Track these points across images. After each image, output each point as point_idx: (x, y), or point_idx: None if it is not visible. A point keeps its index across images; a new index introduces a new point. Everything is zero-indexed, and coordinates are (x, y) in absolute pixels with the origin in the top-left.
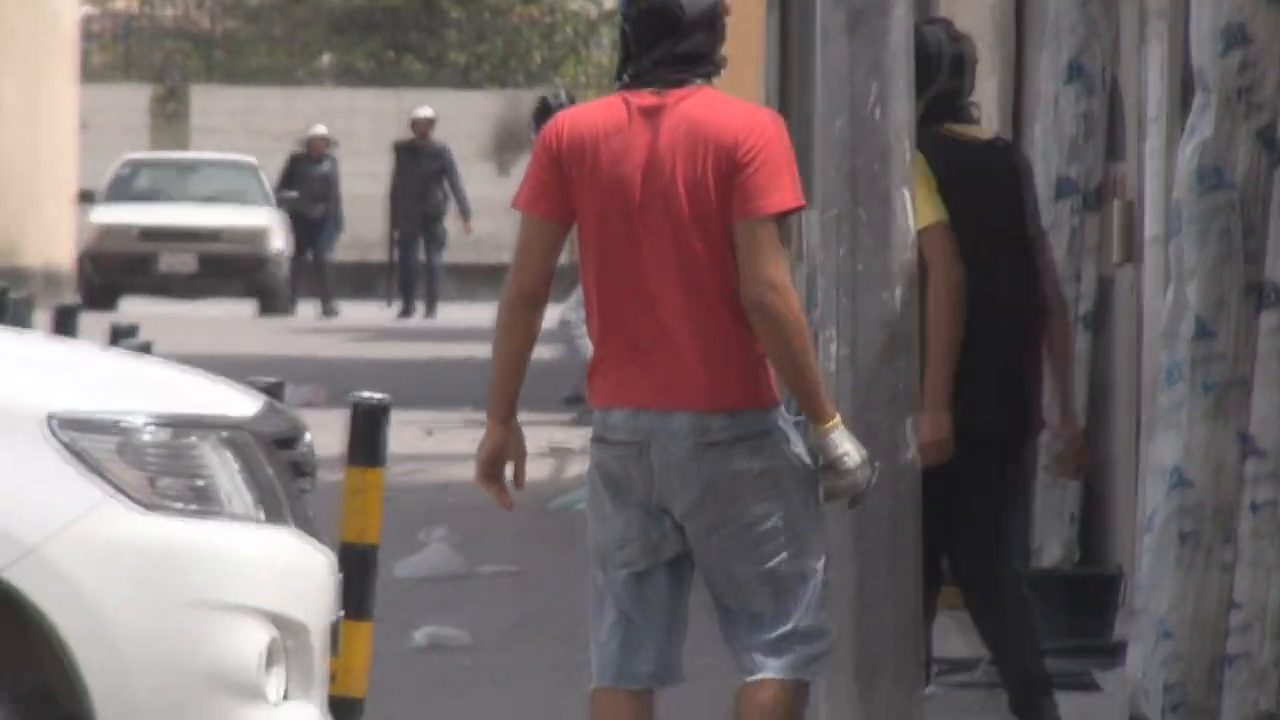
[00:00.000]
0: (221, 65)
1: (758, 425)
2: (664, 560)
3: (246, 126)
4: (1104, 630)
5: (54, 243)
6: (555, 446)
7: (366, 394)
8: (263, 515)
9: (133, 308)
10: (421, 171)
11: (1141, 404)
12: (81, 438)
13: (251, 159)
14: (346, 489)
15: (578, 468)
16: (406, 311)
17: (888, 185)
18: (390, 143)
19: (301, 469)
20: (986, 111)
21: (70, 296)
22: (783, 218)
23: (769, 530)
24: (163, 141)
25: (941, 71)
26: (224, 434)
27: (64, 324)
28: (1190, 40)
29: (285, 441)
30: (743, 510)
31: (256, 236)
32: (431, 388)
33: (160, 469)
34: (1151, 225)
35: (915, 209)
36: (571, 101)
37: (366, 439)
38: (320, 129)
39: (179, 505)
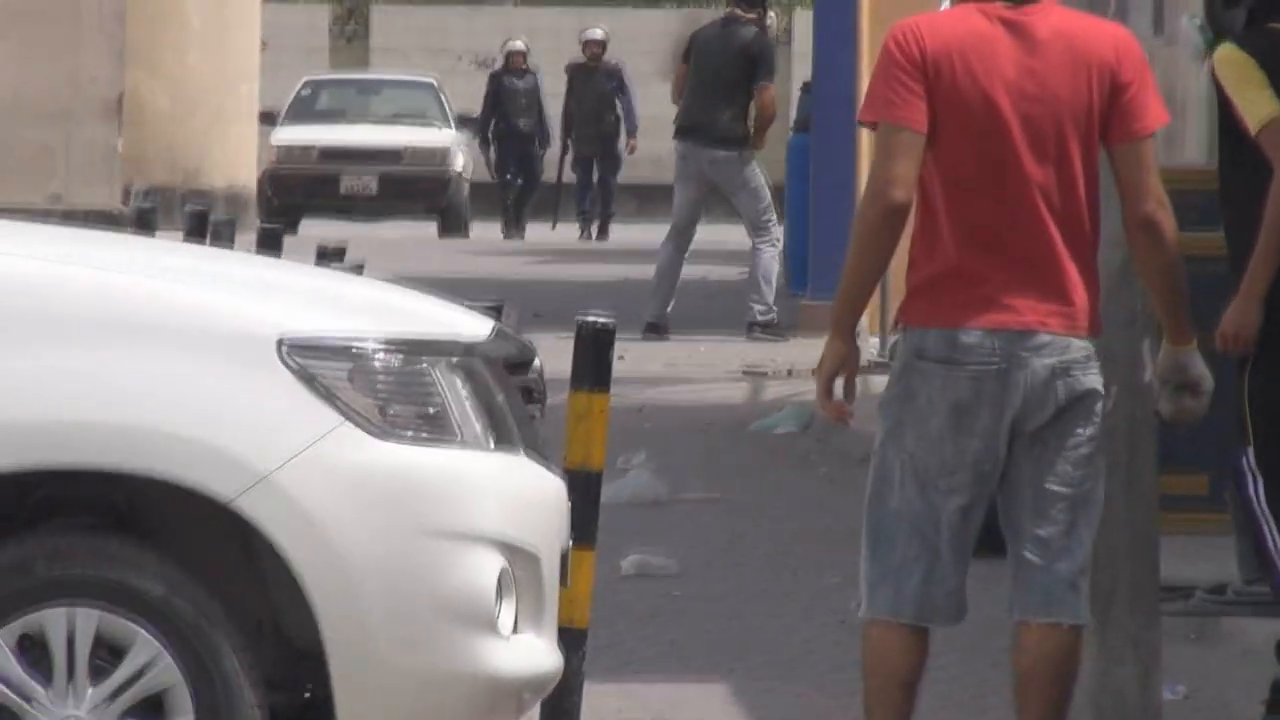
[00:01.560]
0: None
1: (1097, 350)
2: (987, 493)
3: (426, 46)
4: None
5: (237, 163)
6: (748, 369)
7: (592, 315)
8: (494, 442)
9: (312, 229)
10: (596, 92)
11: None
12: (313, 363)
13: (432, 78)
14: (571, 413)
15: (774, 390)
16: (585, 233)
17: None
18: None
19: (532, 394)
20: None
21: (254, 216)
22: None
23: (1087, 454)
24: (343, 61)
25: None
26: (455, 359)
27: (268, 245)
28: None
29: (516, 366)
30: (1075, 429)
31: (438, 156)
32: (616, 310)
33: (391, 395)
34: None
35: (1248, 108)
36: None
37: (593, 362)
38: (518, 43)
39: (410, 432)
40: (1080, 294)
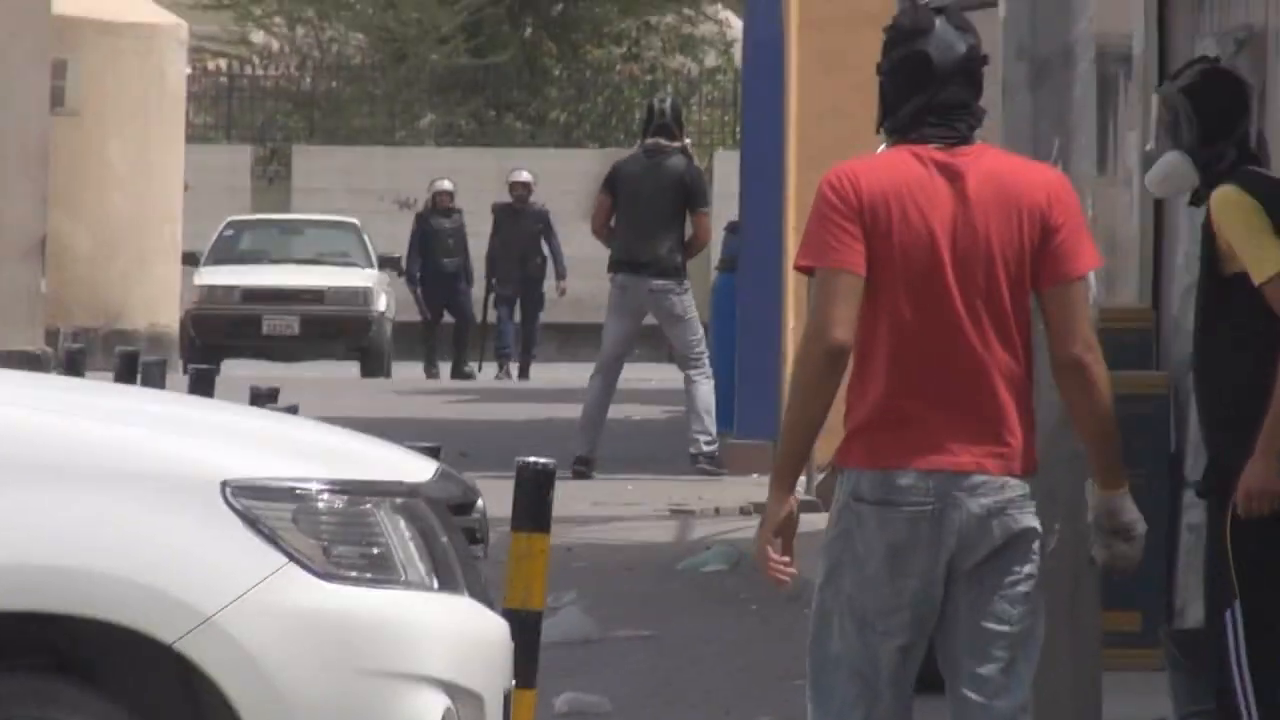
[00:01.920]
0: (322, 126)
1: (1031, 489)
2: (926, 633)
3: (348, 186)
4: None
5: (159, 304)
6: (675, 507)
7: (532, 458)
8: (437, 583)
9: (234, 369)
10: (522, 232)
11: None
12: (256, 505)
13: (354, 219)
14: (511, 554)
15: (701, 529)
16: (504, 372)
17: None
18: (490, 203)
19: (475, 535)
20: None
21: (176, 357)
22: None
23: (1025, 592)
24: (265, 202)
25: (1249, 113)
26: (399, 500)
27: (200, 386)
28: None
29: (459, 507)
30: (1012, 568)
31: (360, 297)
32: (539, 449)
33: (336, 537)
34: None
35: (1257, 256)
36: (675, 108)
37: (532, 503)
38: (445, 183)
39: (354, 574)
40: (1016, 434)
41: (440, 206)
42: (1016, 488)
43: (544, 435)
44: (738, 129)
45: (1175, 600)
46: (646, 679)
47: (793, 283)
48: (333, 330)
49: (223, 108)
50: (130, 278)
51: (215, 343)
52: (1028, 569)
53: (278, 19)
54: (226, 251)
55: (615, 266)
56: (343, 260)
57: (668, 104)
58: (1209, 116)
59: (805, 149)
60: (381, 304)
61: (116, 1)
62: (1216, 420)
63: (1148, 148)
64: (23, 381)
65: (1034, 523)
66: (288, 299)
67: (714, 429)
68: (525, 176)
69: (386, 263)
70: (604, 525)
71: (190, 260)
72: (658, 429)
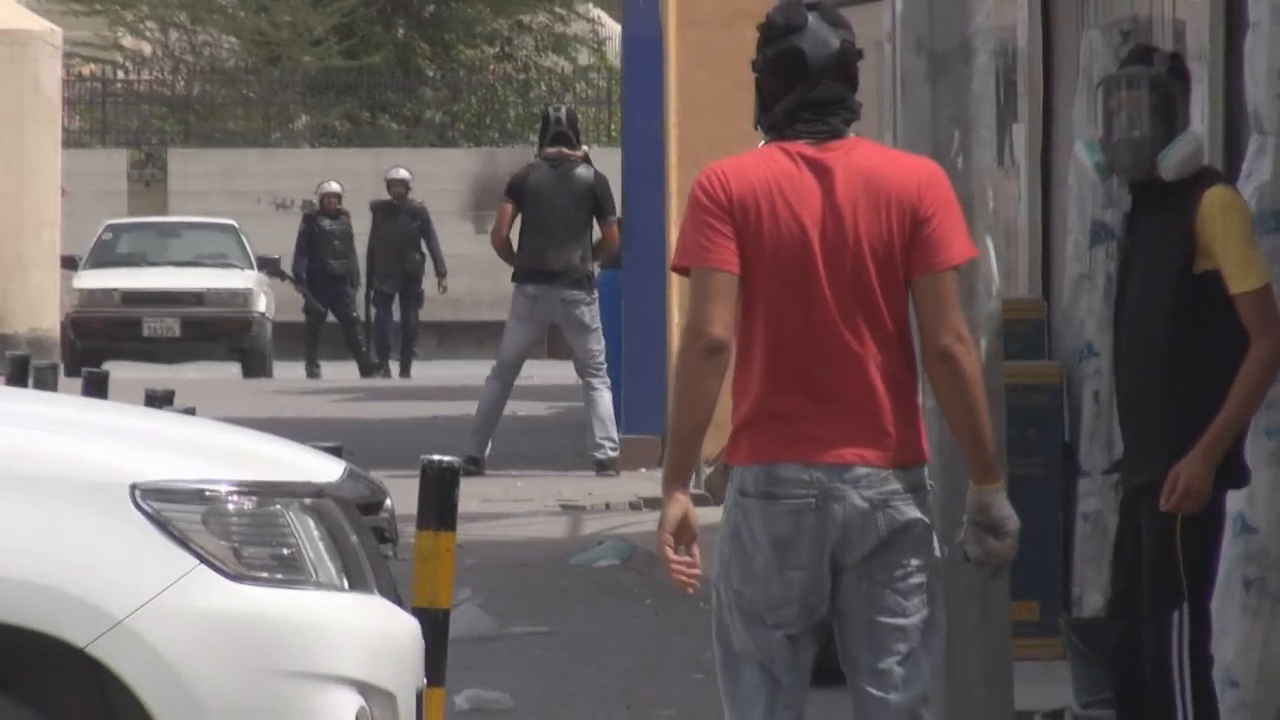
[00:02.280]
0: (198, 129)
1: (921, 480)
2: (816, 622)
3: (225, 189)
4: None
5: (39, 309)
6: (566, 503)
7: (437, 456)
8: (348, 582)
9: (115, 372)
10: (399, 231)
11: None
12: (166, 507)
13: (232, 221)
14: (417, 553)
15: (592, 525)
16: (382, 370)
17: (973, 234)
18: (368, 202)
19: (384, 534)
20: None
21: (57, 361)
22: (959, 268)
23: (918, 583)
24: (142, 206)
25: None
26: (308, 501)
27: (93, 389)
28: (1246, 81)
29: (367, 507)
30: (903, 561)
31: (240, 298)
32: (421, 447)
33: (246, 538)
34: None
35: (1245, 267)
36: (571, 116)
37: (438, 501)
38: (333, 185)
39: (265, 574)
40: (897, 426)
41: (328, 209)
42: (901, 478)
43: (430, 433)
44: (613, 127)
45: (1073, 589)
46: (546, 674)
47: (676, 280)
48: (214, 332)
49: (97, 113)
50: (10, 282)
51: (96, 346)
52: (917, 561)
53: (150, 24)
54: (105, 255)
55: (526, 276)
56: (222, 262)
57: (563, 112)
58: (1185, 99)
59: (686, 146)
60: (262, 305)
61: None
62: (1183, 419)
63: (1135, 134)
64: None
65: (920, 514)
66: (168, 301)
67: (615, 435)
68: (403, 174)
69: (265, 264)
70: (495, 522)
71: (69, 264)
72: (544, 425)
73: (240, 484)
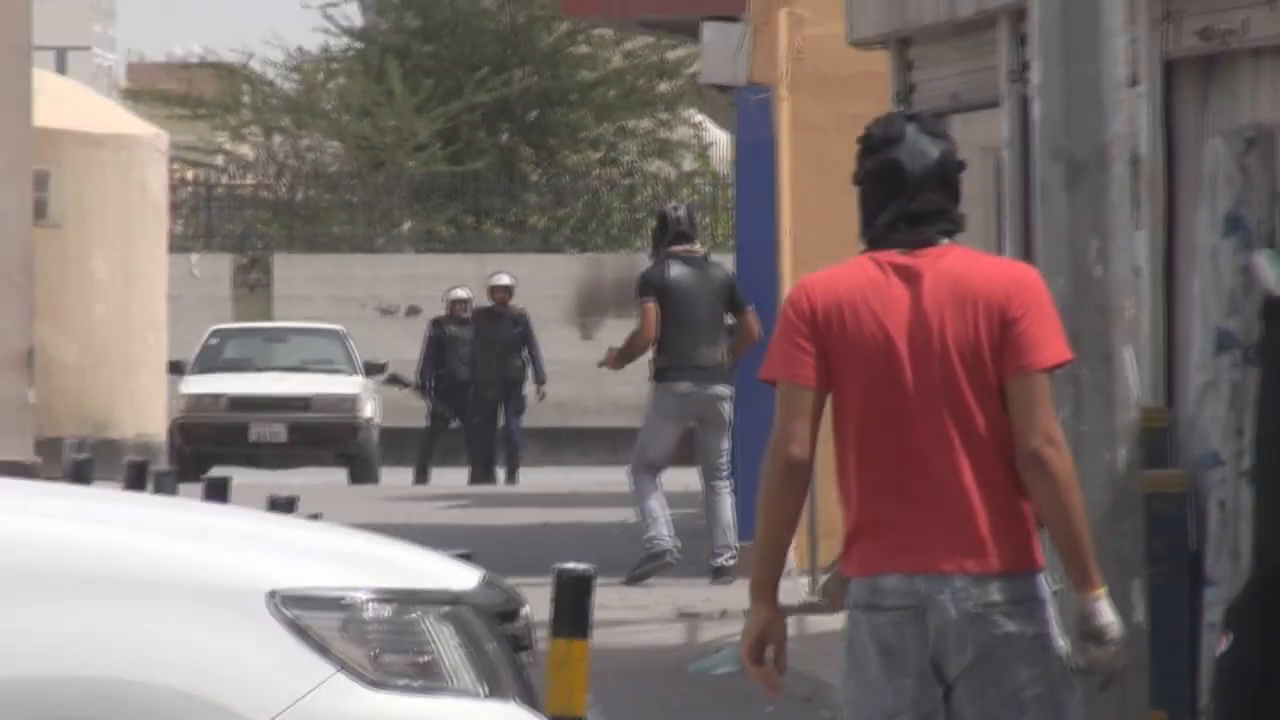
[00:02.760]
0: (301, 233)
1: (1031, 589)
2: None
3: (329, 294)
4: None
5: (146, 413)
6: (682, 610)
7: (570, 564)
8: (486, 691)
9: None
10: (501, 337)
11: None
12: (305, 614)
13: (338, 326)
14: (551, 660)
15: (710, 632)
16: (489, 477)
17: (1109, 343)
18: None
19: (520, 642)
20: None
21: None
22: (1053, 370)
23: (1034, 696)
24: (246, 310)
25: None
26: (445, 608)
27: (215, 495)
28: None
29: (504, 614)
30: (1012, 675)
31: (347, 403)
32: (527, 553)
33: (384, 645)
34: None
35: None
36: (690, 215)
37: (571, 609)
38: (461, 291)
39: (403, 682)
40: (995, 531)
41: (455, 314)
42: (1005, 589)
43: (542, 540)
44: (718, 231)
45: (1200, 700)
46: None
47: None
48: (320, 437)
49: (201, 217)
50: (117, 387)
51: (203, 451)
52: (1028, 673)
53: (254, 128)
54: (212, 360)
55: (676, 373)
56: (328, 367)
57: (683, 211)
58: None
59: (799, 252)
60: (368, 410)
61: (97, 113)
62: None
63: None
64: (65, 494)
65: (1024, 627)
66: (275, 406)
67: (735, 541)
68: (505, 280)
69: (371, 369)
70: (613, 629)
71: (175, 369)
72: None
73: (378, 591)
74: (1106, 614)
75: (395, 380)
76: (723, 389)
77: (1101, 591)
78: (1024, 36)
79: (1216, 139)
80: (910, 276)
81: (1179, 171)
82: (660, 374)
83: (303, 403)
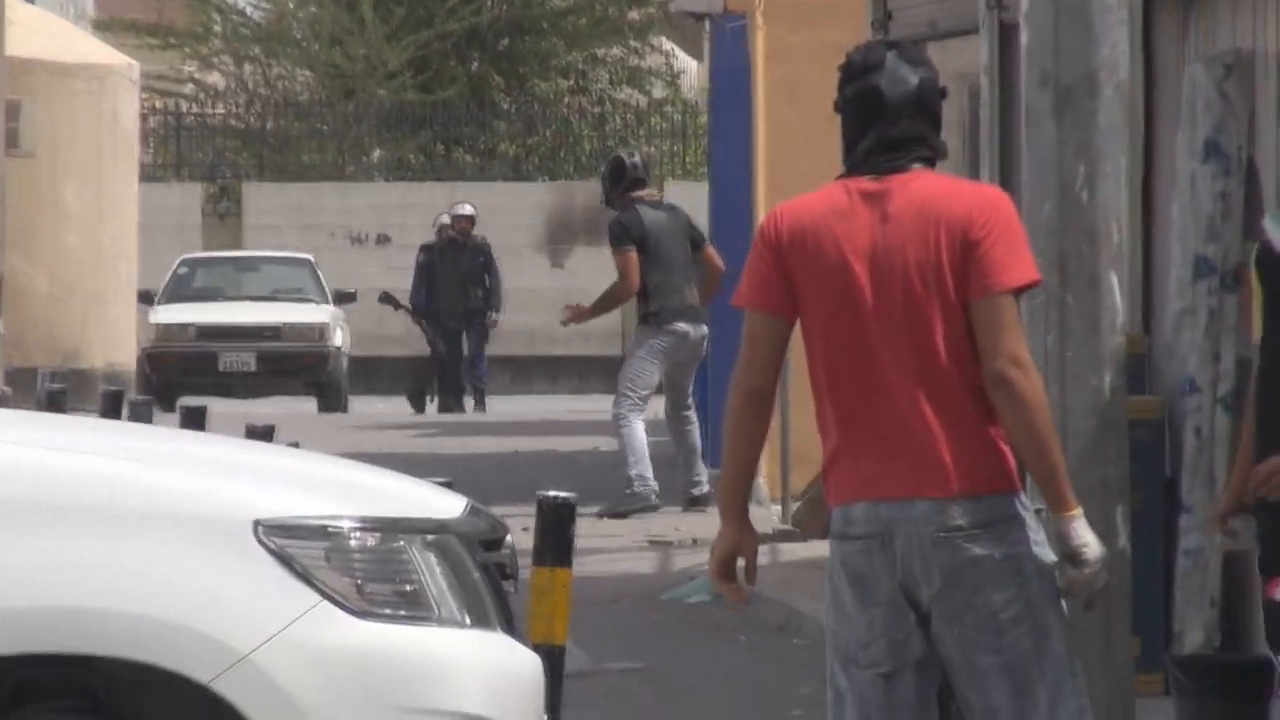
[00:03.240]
0: (271, 163)
1: (1000, 511)
2: (910, 660)
3: (299, 223)
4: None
5: (116, 343)
6: (653, 539)
7: (553, 492)
8: (470, 619)
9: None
10: (464, 267)
11: None
12: (290, 543)
13: (308, 255)
14: (533, 589)
15: (682, 560)
16: (457, 406)
17: (1096, 268)
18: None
19: (505, 571)
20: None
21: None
22: (1020, 292)
23: (1011, 618)
24: (216, 240)
25: None
26: (430, 537)
27: (191, 423)
28: None
29: (489, 543)
30: (985, 598)
31: (316, 332)
32: (500, 481)
33: (368, 574)
34: None
35: None
36: (645, 162)
37: (554, 537)
38: (466, 207)
39: (388, 610)
40: (960, 456)
41: (461, 230)
42: (969, 512)
43: (515, 468)
44: (688, 160)
45: (1174, 626)
46: (645, 711)
47: None
48: (290, 366)
49: (171, 146)
50: (87, 316)
51: (172, 380)
52: (1001, 596)
53: (224, 57)
54: (181, 289)
55: (673, 315)
56: (298, 296)
57: (638, 158)
58: None
59: (774, 181)
60: (338, 339)
61: (69, 42)
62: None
63: None
64: (45, 424)
65: (992, 549)
66: (244, 336)
67: (705, 471)
68: (468, 210)
69: (341, 298)
70: (585, 558)
71: (145, 299)
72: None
73: (363, 520)
74: (1083, 534)
75: (389, 300)
76: (706, 328)
77: (1077, 512)
78: None
79: (1196, 65)
80: (876, 201)
81: (1157, 98)
82: (654, 317)
83: (272, 331)
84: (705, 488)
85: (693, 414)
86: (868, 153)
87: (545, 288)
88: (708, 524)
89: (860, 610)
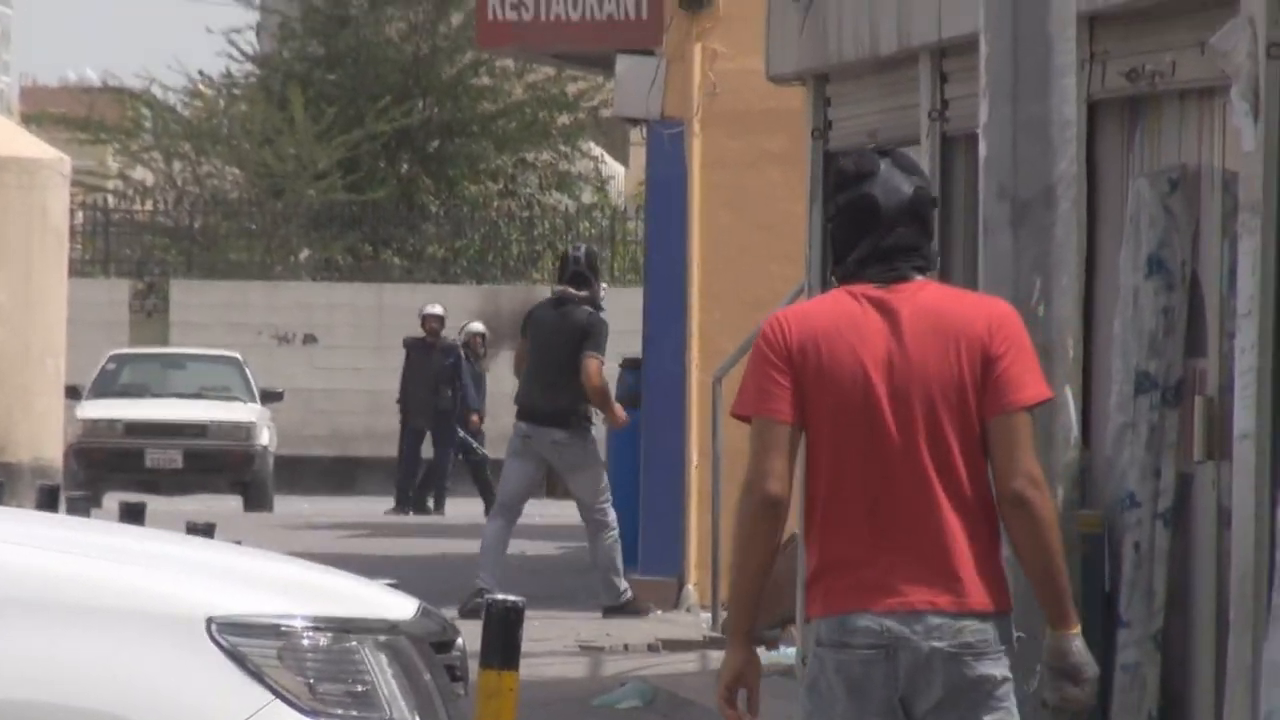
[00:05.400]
0: (200, 260)
1: (1004, 632)
2: None
3: (227, 320)
4: None
5: (43, 437)
6: (584, 644)
7: (500, 595)
8: None
9: (116, 503)
10: (434, 368)
11: (1230, 602)
12: (242, 642)
13: (235, 354)
14: (481, 691)
15: (613, 666)
16: (404, 507)
17: (1053, 382)
18: (366, 339)
19: (455, 673)
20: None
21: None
22: (1033, 409)
23: None
24: (143, 336)
25: None
26: (382, 638)
27: (131, 519)
28: None
29: (439, 645)
30: (976, 716)
31: (243, 431)
32: (433, 584)
33: (321, 673)
34: (1241, 422)
35: None
36: (590, 256)
37: (501, 640)
38: (435, 308)
39: (339, 711)
40: (971, 570)
41: (431, 335)
42: (976, 631)
43: (440, 572)
44: (615, 265)
45: None
46: None
47: (696, 420)
48: (217, 464)
49: (100, 242)
50: (14, 411)
51: (98, 475)
52: (990, 718)
53: (154, 153)
54: (109, 385)
55: (520, 414)
56: (225, 395)
57: (582, 251)
58: None
59: (708, 284)
60: (264, 438)
61: None
62: None
63: None
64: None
65: (993, 671)
66: (171, 433)
67: (622, 582)
68: (438, 310)
69: (268, 396)
70: None
71: (72, 393)
72: (554, 565)
73: (316, 619)
74: (1083, 652)
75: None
76: (564, 435)
77: (1077, 630)
78: (945, 74)
79: (1141, 180)
80: (888, 311)
81: (1101, 211)
82: (517, 414)
83: (199, 429)
84: (623, 599)
85: (599, 526)
86: (861, 261)
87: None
88: (635, 630)
89: (856, 717)
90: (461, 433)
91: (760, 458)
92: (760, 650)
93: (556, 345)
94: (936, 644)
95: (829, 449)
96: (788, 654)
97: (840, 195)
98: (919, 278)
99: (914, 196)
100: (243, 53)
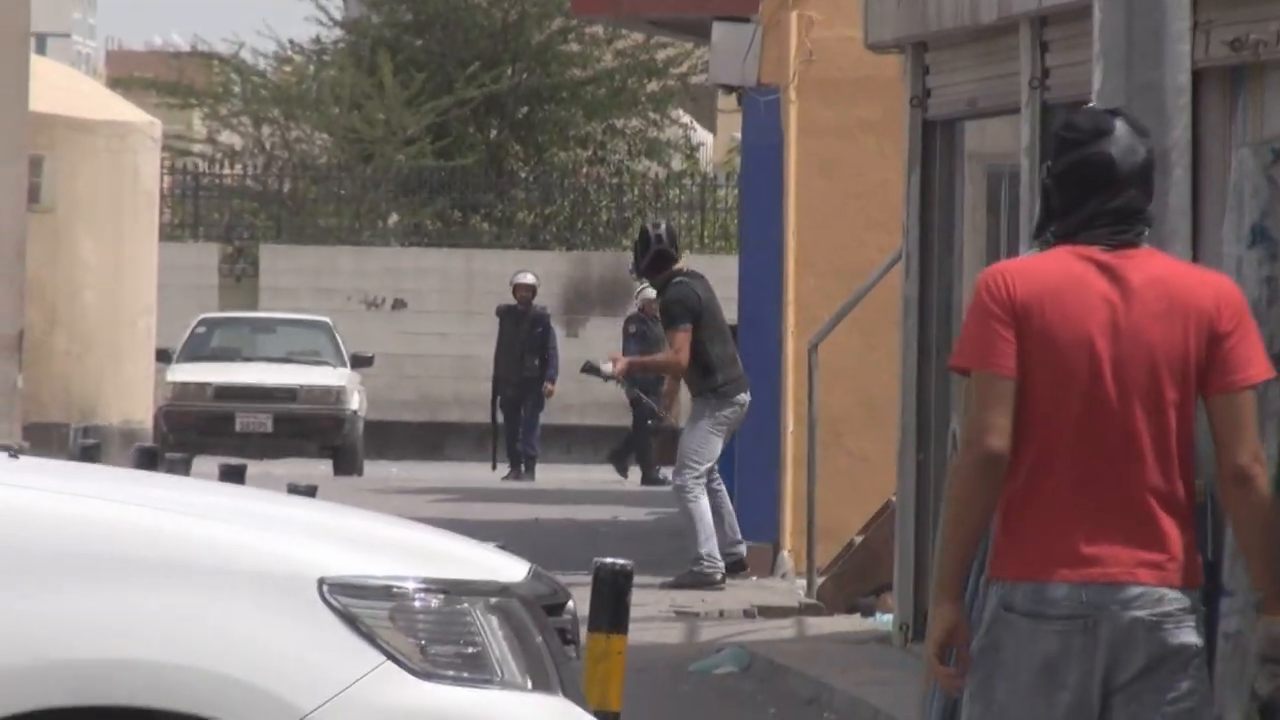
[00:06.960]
0: (288, 225)
1: (1197, 602)
2: None
3: (315, 286)
4: None
5: (132, 400)
6: (679, 609)
7: (609, 559)
8: (531, 683)
9: (207, 466)
10: (522, 336)
11: None
12: (354, 603)
13: (326, 318)
14: (590, 654)
15: (708, 631)
16: (516, 472)
17: None
18: (455, 303)
19: (566, 635)
20: None
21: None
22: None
23: (1187, 709)
24: (232, 300)
25: None
26: (494, 600)
27: (231, 481)
28: None
29: (550, 607)
30: (1174, 685)
31: (333, 395)
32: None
33: (432, 635)
34: None
35: None
36: (671, 233)
37: (610, 604)
38: (526, 276)
39: (451, 672)
40: (1174, 543)
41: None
42: (1175, 600)
43: (535, 537)
44: (705, 233)
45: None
46: None
47: (792, 387)
48: (306, 428)
49: (189, 206)
50: (104, 373)
51: (188, 439)
52: (1187, 685)
53: (243, 118)
54: (199, 349)
55: (738, 386)
56: (315, 359)
57: (663, 229)
58: None
59: (804, 252)
60: (354, 403)
61: (91, 99)
62: None
63: None
64: (110, 477)
65: (1193, 639)
66: (261, 397)
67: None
68: (529, 279)
69: (358, 361)
70: None
71: (162, 357)
72: (647, 530)
73: (428, 581)
74: None
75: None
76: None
77: None
78: (1046, 43)
79: (1244, 149)
80: (1117, 277)
81: (1204, 182)
82: (721, 389)
83: (289, 393)
84: (744, 550)
85: (719, 482)
86: (1086, 221)
87: (560, 357)
88: (731, 596)
89: (1043, 692)
90: (645, 398)
91: (982, 412)
92: (855, 617)
93: (723, 316)
94: (1138, 613)
95: (1042, 411)
96: (884, 620)
97: (1072, 152)
98: (1142, 244)
99: (1147, 159)
100: (331, 18)
